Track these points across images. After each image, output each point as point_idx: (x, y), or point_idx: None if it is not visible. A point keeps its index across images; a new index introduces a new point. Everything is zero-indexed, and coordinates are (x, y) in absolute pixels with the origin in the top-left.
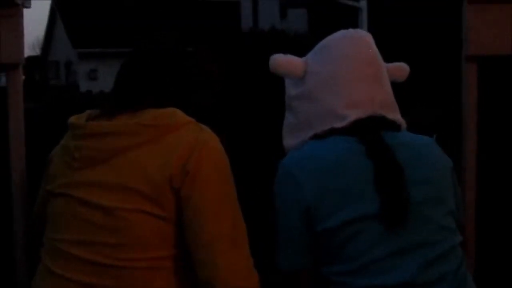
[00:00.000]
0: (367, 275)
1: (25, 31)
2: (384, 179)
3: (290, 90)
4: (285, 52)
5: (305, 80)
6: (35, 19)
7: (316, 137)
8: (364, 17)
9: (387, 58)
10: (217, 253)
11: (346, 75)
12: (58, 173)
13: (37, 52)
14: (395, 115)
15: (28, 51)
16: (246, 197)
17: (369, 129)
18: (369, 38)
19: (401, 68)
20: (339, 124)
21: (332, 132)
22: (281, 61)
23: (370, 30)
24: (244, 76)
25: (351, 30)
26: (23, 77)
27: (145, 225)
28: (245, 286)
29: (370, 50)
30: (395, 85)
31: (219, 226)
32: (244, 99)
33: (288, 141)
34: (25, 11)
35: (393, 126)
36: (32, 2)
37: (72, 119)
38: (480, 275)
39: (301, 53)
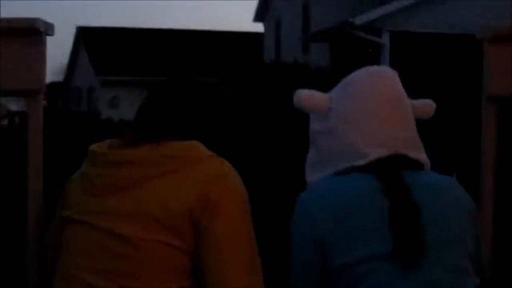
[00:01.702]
0: None
1: (49, 57)
2: (399, 218)
3: (314, 125)
4: (307, 85)
5: (329, 116)
6: (59, 45)
7: (336, 173)
8: (386, 51)
9: (410, 93)
10: (233, 286)
11: (369, 113)
12: (76, 200)
13: (60, 78)
14: (419, 154)
15: (51, 77)
16: (263, 233)
17: (390, 168)
18: (393, 76)
19: (427, 106)
20: (360, 162)
21: (353, 169)
22: (305, 96)
23: (392, 65)
24: (266, 108)
25: (375, 68)
26: (45, 103)
27: (163, 255)
28: None
29: (394, 89)
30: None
31: (237, 259)
32: (265, 131)
33: (310, 176)
34: (55, 36)
35: (416, 165)
36: (57, 28)
37: (94, 147)
38: None
39: (323, 86)
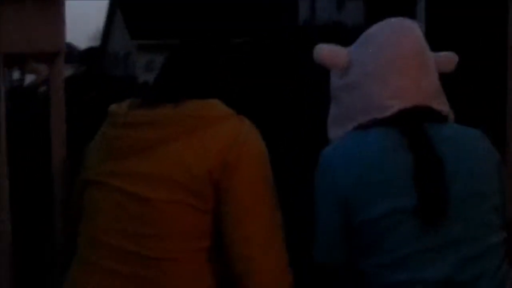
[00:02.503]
0: (404, 269)
1: (84, 21)
2: (423, 172)
3: (335, 80)
4: (342, 44)
5: (349, 70)
6: (97, 9)
7: (359, 128)
8: (421, 7)
9: (443, 49)
10: (252, 249)
11: (390, 65)
12: (97, 162)
13: (96, 43)
14: (442, 106)
15: (87, 42)
16: (285, 191)
17: (412, 120)
18: (415, 27)
19: (449, 58)
20: (382, 115)
21: (375, 123)
22: (325, 51)
23: (427, 20)
24: (301, 69)
25: (396, 19)
26: (83, 68)
27: (183, 216)
28: (278, 283)
29: (416, 41)
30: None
31: (257, 220)
32: (299, 92)
33: (333, 132)
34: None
35: (439, 117)
36: None
37: (113, 107)
38: None
39: None
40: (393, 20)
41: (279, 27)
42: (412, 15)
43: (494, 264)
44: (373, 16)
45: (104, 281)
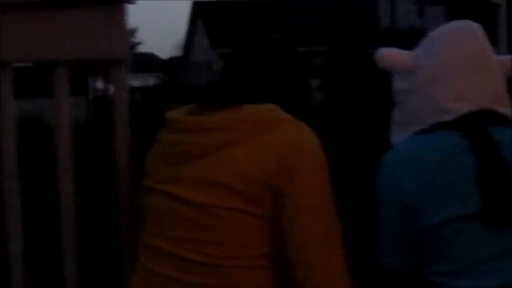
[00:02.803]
0: (468, 277)
1: (169, 32)
2: (487, 176)
3: (398, 84)
4: None
5: (413, 74)
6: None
7: (421, 132)
8: (503, 13)
9: None
10: (312, 253)
11: (454, 68)
12: (155, 168)
13: (178, 53)
14: (507, 109)
15: (170, 52)
16: (343, 199)
17: (476, 124)
18: (478, 30)
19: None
20: (446, 118)
21: (439, 126)
22: (388, 55)
23: (509, 26)
24: (381, 77)
25: (460, 22)
26: (166, 77)
27: (241, 223)
28: None
29: (479, 43)
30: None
31: (316, 226)
32: (376, 96)
33: (396, 136)
34: (172, 11)
35: (504, 121)
36: (173, 3)
37: (171, 113)
38: None
39: None
40: (455, 23)
41: (360, 34)
42: (493, 21)
43: None
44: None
45: None
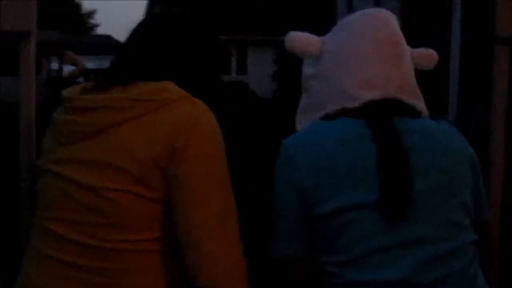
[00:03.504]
0: (359, 268)
1: (128, 13)
2: (386, 165)
3: (306, 69)
4: None
5: (321, 59)
6: (141, 1)
7: (324, 118)
8: (457, 8)
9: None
10: (203, 238)
11: (361, 55)
12: (47, 149)
13: None
14: (415, 101)
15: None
16: (244, 181)
17: (379, 112)
18: (391, 17)
19: (428, 55)
20: (350, 105)
21: (342, 113)
22: (297, 39)
23: (463, 21)
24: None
25: (372, 9)
26: None
27: (132, 206)
28: (230, 276)
29: (390, 30)
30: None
31: (206, 209)
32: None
33: (301, 123)
34: None
35: (410, 111)
36: None
37: (65, 91)
38: (505, 281)
39: None
40: (368, 10)
41: (316, 24)
42: (448, 16)
43: (459, 267)
44: (409, 17)
45: (53, 271)
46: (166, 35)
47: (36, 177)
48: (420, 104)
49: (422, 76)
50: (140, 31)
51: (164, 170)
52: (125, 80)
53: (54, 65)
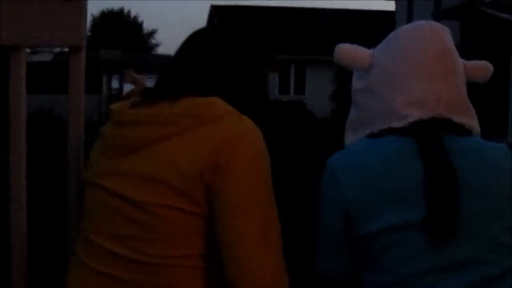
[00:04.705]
0: None
1: (188, 33)
2: (434, 184)
3: (355, 83)
4: None
5: (370, 73)
6: (200, 21)
7: (371, 136)
8: None
9: None
10: (244, 252)
11: (411, 71)
12: (94, 162)
13: None
14: (465, 119)
15: None
16: (289, 199)
17: (428, 130)
18: (444, 31)
19: (482, 68)
20: (397, 124)
21: (389, 132)
22: (346, 51)
23: None
24: None
25: (424, 22)
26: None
27: (176, 221)
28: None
29: (442, 45)
30: None
31: (248, 223)
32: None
33: (349, 137)
34: (191, 13)
35: (460, 130)
36: (191, 6)
37: (114, 106)
38: None
39: None
40: (420, 22)
41: (376, 43)
42: (507, 37)
43: None
44: (469, 37)
45: (94, 283)
46: (214, 50)
47: (83, 190)
48: (470, 121)
49: (480, 96)
50: (188, 47)
51: (208, 185)
52: (173, 95)
53: (115, 84)
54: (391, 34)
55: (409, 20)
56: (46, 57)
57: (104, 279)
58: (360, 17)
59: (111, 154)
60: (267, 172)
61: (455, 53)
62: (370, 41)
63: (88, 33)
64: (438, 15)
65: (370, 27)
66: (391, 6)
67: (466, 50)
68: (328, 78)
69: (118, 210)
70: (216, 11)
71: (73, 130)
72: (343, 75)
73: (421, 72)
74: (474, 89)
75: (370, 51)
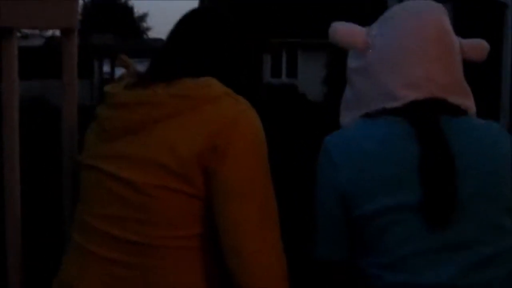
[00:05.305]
0: (400, 270)
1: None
2: (430, 166)
3: (351, 62)
4: None
5: (365, 53)
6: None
7: (366, 116)
8: (510, 12)
9: None
10: (242, 238)
11: (407, 52)
12: (90, 144)
13: None
14: (461, 99)
15: None
16: (285, 181)
17: (424, 112)
18: (440, 12)
19: (478, 46)
20: (392, 105)
21: (384, 112)
22: (341, 30)
23: None
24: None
25: (420, 2)
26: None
27: (172, 202)
28: (270, 276)
29: (439, 26)
30: None
31: (246, 207)
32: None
33: (344, 117)
34: None
35: (456, 111)
36: None
37: (108, 87)
38: None
39: None
40: (416, 2)
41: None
42: (500, 20)
43: (504, 271)
44: (461, 20)
45: (94, 266)
46: (207, 31)
47: (78, 172)
48: (466, 102)
49: (472, 78)
50: (181, 28)
51: (205, 167)
52: (167, 77)
53: (106, 68)
54: (387, 14)
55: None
56: (38, 41)
57: (101, 261)
58: (352, 4)
59: (106, 136)
60: (265, 153)
61: (452, 33)
62: (363, 22)
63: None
64: None
65: (362, 8)
66: None
67: (459, 31)
68: (320, 61)
69: (114, 192)
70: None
71: (67, 113)
72: (336, 59)
73: (417, 54)
74: (466, 71)
75: (365, 29)
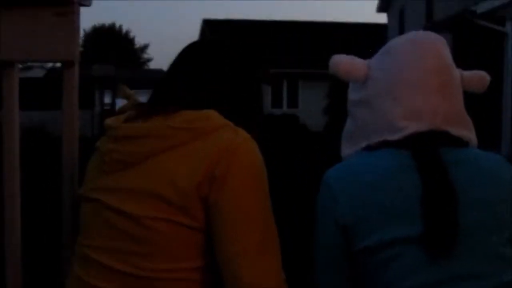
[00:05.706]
0: None
1: (180, 47)
2: (432, 198)
3: (351, 94)
4: None
5: (366, 85)
6: (193, 36)
7: (367, 148)
8: (509, 41)
9: None
10: (242, 267)
11: (408, 84)
12: (90, 177)
13: None
14: (463, 131)
15: None
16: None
17: (425, 143)
18: (440, 43)
19: (479, 78)
20: (393, 137)
21: (385, 144)
22: (342, 62)
23: None
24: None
25: (420, 33)
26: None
27: (173, 235)
28: None
29: (440, 57)
30: None
31: (247, 237)
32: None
33: (345, 149)
34: (183, 28)
35: (457, 142)
36: (182, 21)
37: (108, 120)
38: None
39: None
40: (416, 33)
41: (369, 57)
42: (499, 49)
43: None
44: (461, 49)
45: None
46: (208, 63)
47: (78, 205)
48: (467, 133)
49: (473, 108)
50: (182, 60)
51: (205, 198)
52: (167, 109)
53: (107, 99)
54: (387, 46)
55: (401, 32)
56: (39, 73)
57: None
58: (352, 30)
59: (107, 168)
60: (264, 183)
61: (452, 64)
62: (363, 54)
63: (80, 48)
64: (430, 27)
65: (362, 40)
66: (383, 19)
67: (459, 62)
68: (321, 91)
69: (114, 225)
70: (207, 26)
71: (68, 145)
72: (337, 89)
73: (417, 85)
74: (467, 101)
75: (366, 62)
